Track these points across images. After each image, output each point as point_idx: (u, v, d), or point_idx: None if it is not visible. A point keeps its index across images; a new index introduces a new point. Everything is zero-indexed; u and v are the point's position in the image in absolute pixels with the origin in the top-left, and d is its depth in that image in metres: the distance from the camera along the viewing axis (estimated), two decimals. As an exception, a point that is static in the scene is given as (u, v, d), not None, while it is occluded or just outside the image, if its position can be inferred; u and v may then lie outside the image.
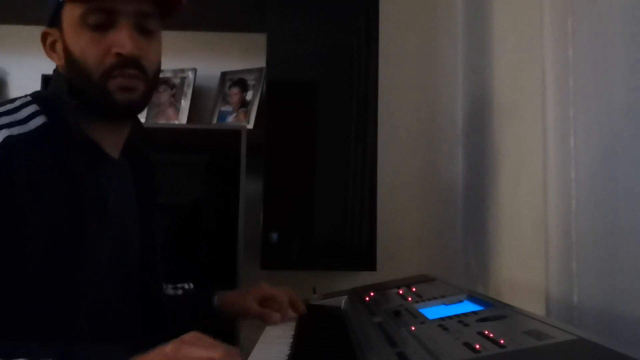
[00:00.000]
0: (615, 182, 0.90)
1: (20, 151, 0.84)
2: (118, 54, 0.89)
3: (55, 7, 0.92)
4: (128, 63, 0.90)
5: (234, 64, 1.99)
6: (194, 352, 0.71)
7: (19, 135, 0.85)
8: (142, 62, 0.92)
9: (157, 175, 1.13)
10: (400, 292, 1.17)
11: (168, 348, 0.72)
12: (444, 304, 1.00)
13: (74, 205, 0.87)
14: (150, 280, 1.07)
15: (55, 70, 0.98)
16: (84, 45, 0.90)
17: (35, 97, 0.93)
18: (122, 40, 0.89)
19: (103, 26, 0.89)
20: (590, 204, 0.97)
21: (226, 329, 1.28)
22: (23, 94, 0.95)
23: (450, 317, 0.86)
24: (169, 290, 1.25)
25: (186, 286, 1.27)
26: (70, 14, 0.90)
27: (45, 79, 1.85)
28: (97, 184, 0.93)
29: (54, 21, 0.93)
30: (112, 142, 0.99)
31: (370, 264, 1.71)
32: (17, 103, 0.90)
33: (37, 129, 0.87)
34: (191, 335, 0.74)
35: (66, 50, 0.92)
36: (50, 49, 0.96)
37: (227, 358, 0.70)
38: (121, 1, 0.90)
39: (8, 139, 0.84)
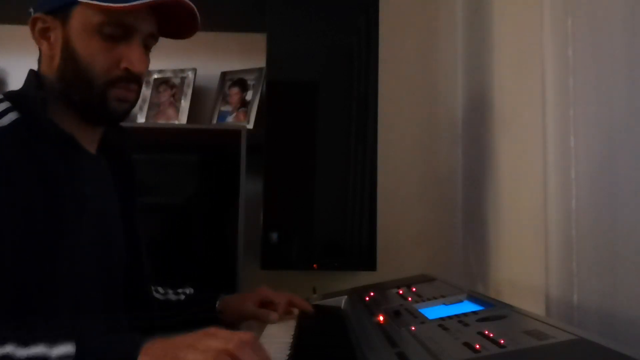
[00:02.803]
0: (615, 182, 0.90)
1: None
2: (126, 69, 0.93)
3: (66, 1, 0.92)
4: (132, 79, 0.95)
5: (234, 64, 1.99)
6: (212, 342, 0.70)
7: None
8: (141, 77, 0.98)
9: (150, 175, 1.14)
10: (400, 292, 1.17)
11: (190, 337, 0.71)
12: (444, 304, 1.00)
13: (48, 200, 0.87)
14: (135, 277, 1.07)
15: (30, 71, 0.98)
16: (94, 51, 0.92)
17: (7, 94, 0.93)
18: (134, 58, 0.94)
19: (116, 38, 0.93)
20: (590, 204, 0.97)
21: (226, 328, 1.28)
22: None
23: (450, 317, 0.86)
24: (171, 295, 1.25)
25: (187, 291, 1.27)
26: (85, 17, 0.91)
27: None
28: (73, 177, 0.92)
29: (57, 12, 0.93)
30: (87, 137, 1.00)
31: (370, 264, 1.71)
32: None
33: (10, 125, 0.87)
34: (212, 329, 0.74)
35: (69, 47, 0.93)
36: (40, 34, 0.95)
37: (240, 349, 0.70)
38: (140, 21, 0.94)
39: None
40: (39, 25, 0.95)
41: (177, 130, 1.84)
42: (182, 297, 1.26)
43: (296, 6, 1.78)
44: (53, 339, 0.70)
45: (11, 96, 0.93)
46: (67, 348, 0.69)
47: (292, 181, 1.74)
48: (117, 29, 0.92)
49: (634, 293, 0.84)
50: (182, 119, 1.94)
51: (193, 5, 0.97)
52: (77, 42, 0.92)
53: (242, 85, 1.96)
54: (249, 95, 1.94)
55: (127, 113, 0.99)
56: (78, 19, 0.92)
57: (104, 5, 0.89)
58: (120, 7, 0.89)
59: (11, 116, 0.88)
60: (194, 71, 1.99)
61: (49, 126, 0.91)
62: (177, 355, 0.68)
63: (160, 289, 1.25)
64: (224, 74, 2.01)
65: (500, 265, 1.55)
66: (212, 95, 2.00)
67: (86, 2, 0.89)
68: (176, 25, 1.00)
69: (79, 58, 0.92)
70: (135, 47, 0.94)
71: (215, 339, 0.71)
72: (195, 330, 0.75)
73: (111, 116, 0.96)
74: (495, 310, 0.85)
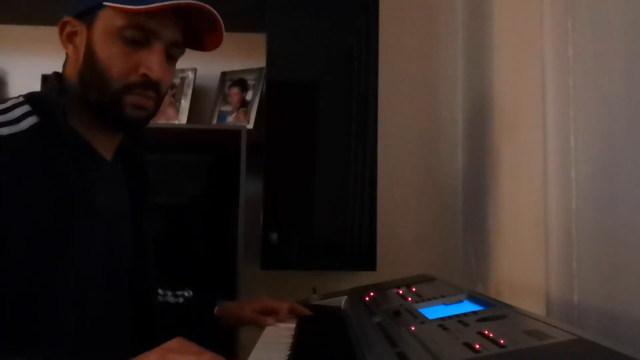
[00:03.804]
0: (615, 182, 0.90)
1: (9, 151, 0.84)
2: (144, 75, 0.92)
3: (92, 5, 0.92)
4: (150, 85, 0.93)
5: (234, 64, 1.99)
6: (180, 359, 0.71)
7: (10, 135, 0.85)
8: (161, 86, 0.95)
9: (150, 175, 1.13)
10: (400, 292, 1.17)
11: (152, 356, 0.72)
12: (444, 304, 1.00)
13: (60, 205, 0.86)
14: (141, 283, 1.06)
15: (53, 73, 0.98)
16: (112, 54, 0.91)
17: (27, 97, 0.92)
18: (153, 64, 0.92)
19: (137, 42, 0.91)
20: (590, 204, 0.97)
21: (226, 330, 1.28)
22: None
23: (450, 317, 0.86)
24: (170, 298, 1.24)
25: (186, 294, 1.27)
26: (109, 20, 0.91)
27: (45, 79, 1.85)
28: (86, 184, 0.92)
29: (84, 16, 0.93)
30: (105, 143, 0.99)
31: (370, 264, 1.71)
32: (9, 104, 0.90)
33: (29, 129, 0.87)
34: (176, 342, 0.74)
35: (90, 49, 0.92)
36: (66, 38, 0.95)
37: None
38: (163, 26, 0.92)
39: None
40: (68, 29, 0.95)
41: (177, 130, 1.84)
42: (181, 299, 1.25)
43: (296, 6, 1.78)
44: None
45: (32, 99, 0.92)
46: None
47: (292, 181, 1.74)
48: (138, 33, 0.90)
49: (634, 293, 0.84)
50: (182, 119, 1.94)
51: (217, 14, 0.95)
52: (99, 45, 0.91)
53: (242, 85, 1.96)
54: (249, 95, 1.94)
55: (144, 121, 0.97)
56: (102, 22, 0.91)
57: (124, 8, 0.88)
58: (140, 9, 0.88)
59: (30, 120, 0.88)
60: (194, 71, 1.99)
61: (67, 132, 0.91)
62: None
63: (160, 290, 1.24)
64: (224, 74, 2.01)
65: (500, 265, 1.55)
66: (212, 95, 2.00)
67: (110, 5, 0.89)
68: (200, 36, 0.98)
69: (98, 61, 0.91)
70: (155, 53, 0.92)
71: (184, 355, 0.71)
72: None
73: (127, 122, 0.94)
74: (495, 310, 0.85)
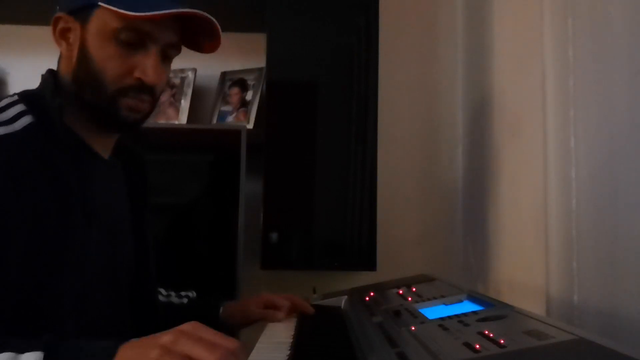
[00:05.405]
0: (616, 182, 0.90)
1: (5, 151, 0.83)
2: (139, 79, 0.91)
3: (87, 3, 0.90)
4: (145, 89, 0.92)
5: (234, 64, 1.99)
6: (193, 350, 0.67)
7: (5, 135, 0.84)
8: (155, 89, 0.94)
9: (150, 175, 1.13)
10: (400, 292, 1.17)
11: (165, 337, 0.68)
12: (444, 304, 1.00)
13: (58, 205, 0.86)
14: (142, 282, 1.06)
15: (48, 71, 0.97)
16: (107, 56, 0.90)
17: (22, 96, 0.91)
18: (148, 68, 0.91)
19: (132, 44, 0.90)
20: (591, 203, 0.97)
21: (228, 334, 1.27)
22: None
23: (450, 317, 0.86)
24: (173, 298, 1.24)
25: (190, 295, 1.26)
26: (104, 21, 0.89)
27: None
28: (84, 183, 0.91)
29: (78, 13, 0.91)
30: (102, 142, 0.99)
31: (370, 264, 1.71)
32: (4, 103, 0.89)
33: (24, 129, 0.86)
34: (191, 326, 0.71)
35: (84, 49, 0.91)
36: (60, 34, 0.94)
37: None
38: (159, 29, 0.91)
39: None
40: (61, 25, 0.93)
41: (177, 130, 1.84)
42: (185, 300, 1.25)
43: (296, 6, 1.77)
44: (22, 348, 0.69)
45: (27, 97, 0.91)
46: (35, 356, 0.68)
47: (292, 181, 1.74)
48: (133, 36, 0.89)
49: (634, 293, 0.84)
50: (182, 119, 1.94)
51: (217, 23, 0.94)
52: (93, 45, 0.90)
53: (242, 85, 1.96)
54: (249, 95, 1.94)
55: (140, 122, 0.96)
56: (96, 22, 0.90)
57: (121, 13, 0.86)
58: (139, 16, 0.86)
59: (25, 120, 0.87)
60: (194, 71, 1.99)
61: (63, 131, 0.90)
62: None
63: (163, 291, 1.24)
64: (224, 74, 2.01)
65: (500, 265, 1.55)
66: (212, 95, 2.00)
67: (106, 7, 0.87)
68: (197, 37, 0.97)
69: (92, 62, 0.90)
70: (151, 57, 0.91)
71: (197, 346, 0.67)
72: None
73: (122, 124, 0.94)
74: (495, 310, 0.85)
